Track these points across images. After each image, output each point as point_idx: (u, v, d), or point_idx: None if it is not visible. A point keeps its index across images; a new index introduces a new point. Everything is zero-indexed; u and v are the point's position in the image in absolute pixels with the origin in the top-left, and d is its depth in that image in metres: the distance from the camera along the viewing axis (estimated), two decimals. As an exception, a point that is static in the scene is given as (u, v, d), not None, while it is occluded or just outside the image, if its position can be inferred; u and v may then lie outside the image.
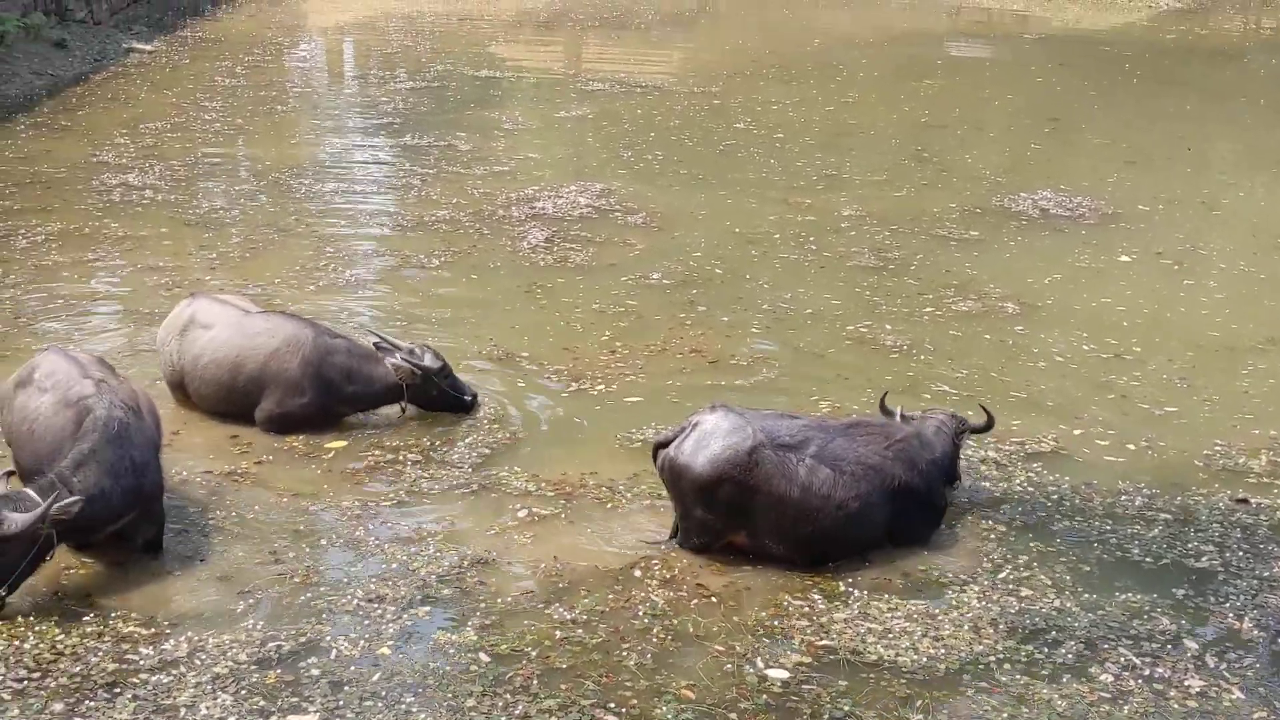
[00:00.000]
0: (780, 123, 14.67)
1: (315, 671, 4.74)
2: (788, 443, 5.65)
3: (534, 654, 4.89)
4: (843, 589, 5.46)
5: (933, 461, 6.00)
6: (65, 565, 5.39)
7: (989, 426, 6.36)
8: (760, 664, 4.88)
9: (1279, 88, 17.78)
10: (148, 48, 17.13)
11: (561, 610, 5.21)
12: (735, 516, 5.62)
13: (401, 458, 6.61)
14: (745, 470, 5.55)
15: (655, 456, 5.78)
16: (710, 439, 5.60)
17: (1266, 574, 5.64)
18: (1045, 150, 13.74)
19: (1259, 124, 15.43)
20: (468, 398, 7.12)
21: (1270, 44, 21.61)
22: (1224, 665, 4.95)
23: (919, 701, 4.66)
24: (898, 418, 6.23)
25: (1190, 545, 5.89)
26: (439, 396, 7.05)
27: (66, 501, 4.96)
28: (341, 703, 4.56)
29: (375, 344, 7.10)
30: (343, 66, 19.07)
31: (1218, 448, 6.95)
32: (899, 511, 5.81)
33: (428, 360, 6.98)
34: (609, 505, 6.18)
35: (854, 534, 5.71)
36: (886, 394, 6.50)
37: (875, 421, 6.19)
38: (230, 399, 6.91)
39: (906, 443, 5.97)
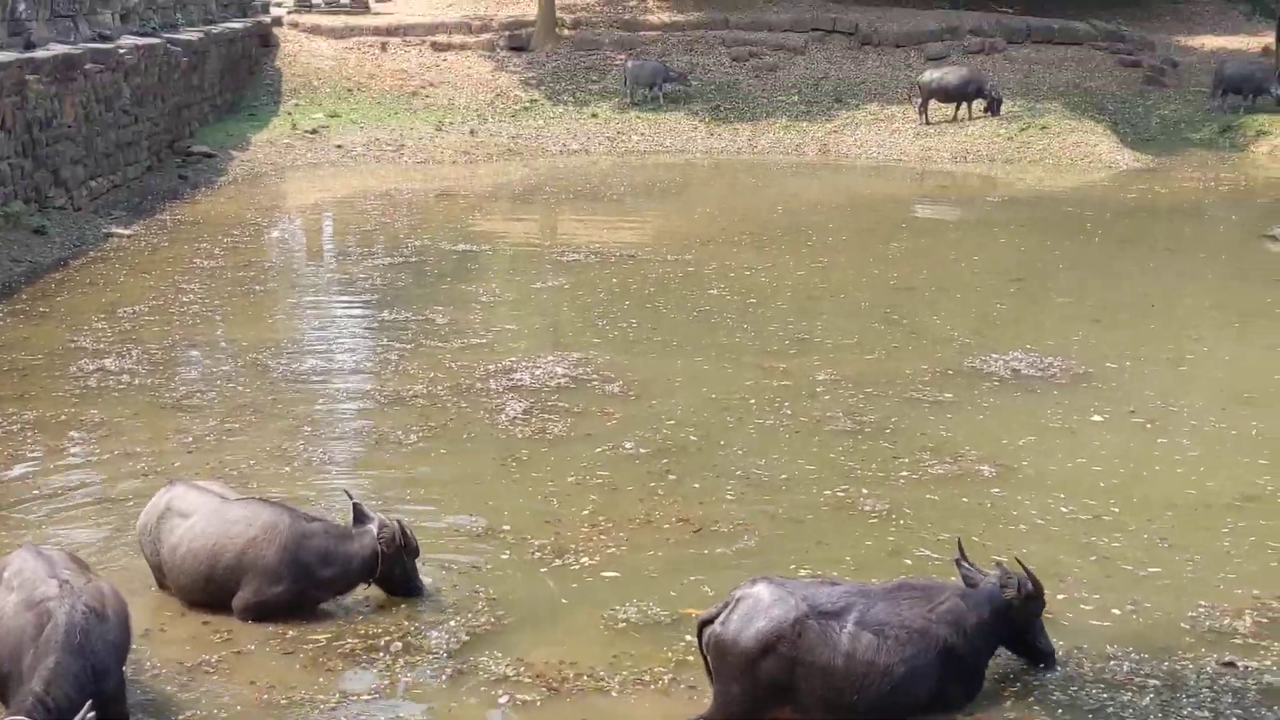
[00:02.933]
0: (753, 288, 14.89)
1: None
2: (830, 610, 5.69)
3: None
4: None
5: (979, 625, 5.94)
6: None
7: (1038, 593, 6.20)
8: None
9: (1239, 243, 18.18)
10: (127, 232, 17.36)
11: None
12: (779, 689, 5.61)
13: (380, 644, 6.53)
14: (790, 643, 5.56)
15: (700, 634, 5.79)
16: (755, 613, 5.62)
17: (1259, 740, 5.58)
18: (1012, 310, 13.97)
19: (1220, 279, 15.75)
20: (421, 584, 7.13)
21: (1228, 200, 22.15)
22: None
23: None
24: (968, 572, 6.15)
25: (1185, 711, 5.83)
26: (400, 576, 7.02)
27: None
28: None
29: (354, 504, 7.13)
30: (321, 244, 19.34)
31: (1202, 609, 6.94)
32: (944, 676, 5.77)
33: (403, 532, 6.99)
34: (592, 690, 6.11)
35: (901, 700, 5.67)
36: (960, 541, 6.46)
37: (919, 583, 6.18)
38: (208, 589, 6.87)
39: (951, 605, 5.94)
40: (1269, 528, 8.22)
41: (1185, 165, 24.51)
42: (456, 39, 30.22)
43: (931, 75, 27.14)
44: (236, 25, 27.14)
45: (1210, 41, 33.68)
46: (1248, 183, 23.64)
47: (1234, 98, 28.03)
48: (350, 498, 7.24)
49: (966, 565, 6.22)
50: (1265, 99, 27.66)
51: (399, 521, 7.05)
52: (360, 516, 7.04)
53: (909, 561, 7.39)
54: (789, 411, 10.44)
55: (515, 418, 10.17)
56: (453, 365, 11.71)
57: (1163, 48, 32.43)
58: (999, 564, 6.27)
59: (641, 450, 9.48)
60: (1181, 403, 10.69)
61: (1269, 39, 30.77)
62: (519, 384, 11.09)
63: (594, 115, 27.40)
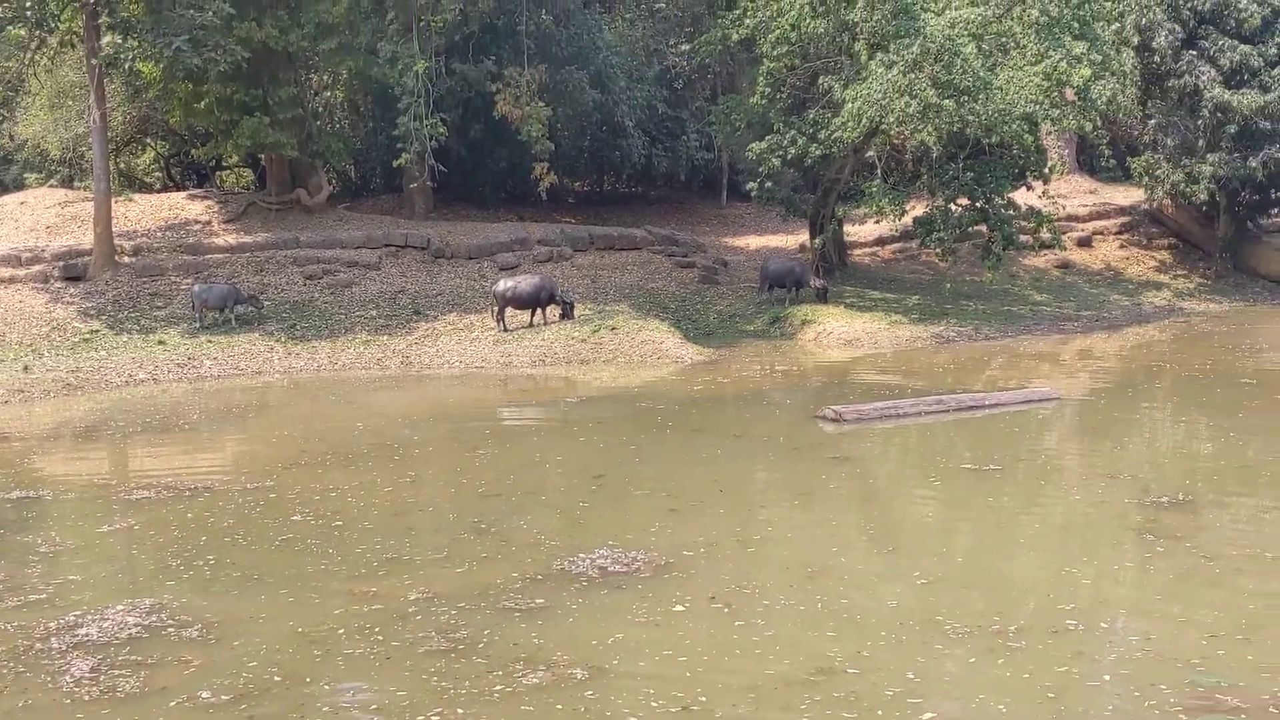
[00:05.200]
0: (339, 509, 14.57)
1: None
2: None
3: None
4: None
5: None
6: None
7: None
8: None
9: (795, 424, 19.57)
10: None
11: None
12: None
13: None
14: None
15: None
16: None
17: None
18: (595, 508, 14.34)
19: (781, 459, 16.88)
20: None
21: (783, 385, 23.95)
22: None
23: None
24: None
25: None
26: None
27: None
28: None
29: None
30: None
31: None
32: None
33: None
34: None
35: None
36: None
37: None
38: None
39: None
40: (840, 699, 8.70)
41: (743, 355, 26.40)
42: (5, 272, 28.61)
43: (505, 284, 28.13)
44: None
45: (755, 241, 36.87)
46: (799, 368, 25.71)
47: (779, 291, 30.70)
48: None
49: None
50: (806, 291, 30.43)
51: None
52: None
53: (507, 780, 7.27)
54: (380, 637, 10.16)
55: (81, 678, 9.36)
56: (7, 628, 10.67)
57: (713, 249, 35.18)
58: None
59: (222, 698, 8.93)
60: (754, 583, 11.24)
61: (804, 237, 34.00)
62: (85, 640, 10.24)
63: (161, 343, 26.47)
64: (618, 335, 27.06)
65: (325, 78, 38.40)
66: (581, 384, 24.31)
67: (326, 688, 9.13)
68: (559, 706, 8.64)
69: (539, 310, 28.17)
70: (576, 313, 28.10)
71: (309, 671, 9.48)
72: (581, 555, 12.14)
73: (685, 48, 38.47)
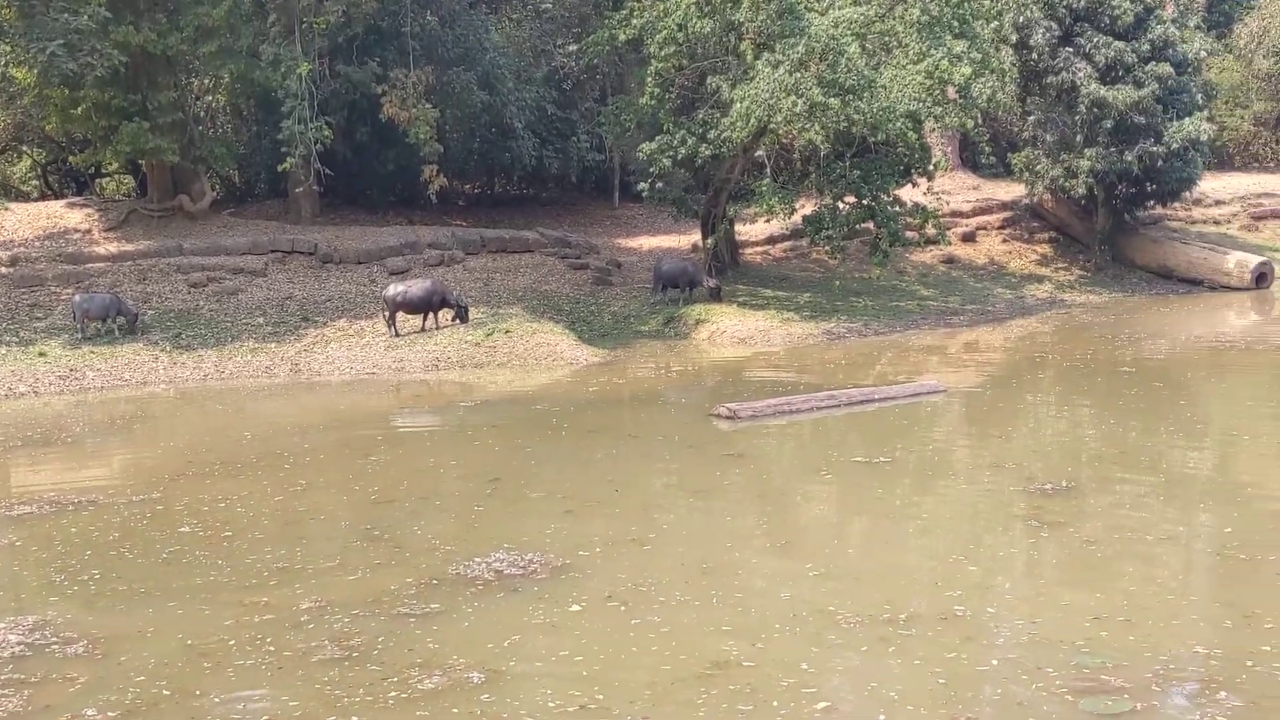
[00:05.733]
0: (228, 520, 14.31)
1: None
2: None
3: None
4: None
5: None
6: None
7: None
8: None
9: (691, 423, 19.69)
10: None
11: None
12: None
13: None
14: None
15: None
16: None
17: None
18: (490, 512, 14.28)
19: (676, 458, 16.96)
20: None
21: (678, 384, 24.09)
22: None
23: None
24: None
25: None
26: None
27: None
28: None
29: None
30: None
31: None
32: None
33: None
34: None
35: None
36: None
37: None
38: None
39: None
40: (736, 692, 8.78)
41: (639, 356, 26.49)
42: (-125, 285, 27.65)
43: (396, 289, 27.87)
44: None
45: (648, 242, 36.99)
46: (694, 367, 25.87)
47: (673, 291, 30.85)
48: None
49: None
50: (699, 290, 30.64)
51: None
52: None
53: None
54: (272, 648, 10.01)
55: (-41, 700, 9.08)
56: (-120, 651, 10.32)
57: (607, 250, 35.22)
58: None
59: (109, 714, 8.72)
60: (650, 582, 11.28)
61: (697, 237, 34.20)
62: (-37, 661, 9.93)
63: (42, 354, 25.79)
64: (512, 338, 26.97)
65: (206, 82, 37.65)
66: (476, 388, 24.18)
67: (217, 700, 8.97)
68: (455, 710, 8.59)
69: (431, 314, 27.95)
70: (471, 315, 27.94)
71: (199, 684, 9.30)
72: (477, 559, 12.08)
73: (573, 48, 38.46)
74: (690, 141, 29.83)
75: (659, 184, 31.51)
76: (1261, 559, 11.62)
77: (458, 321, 27.81)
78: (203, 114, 38.65)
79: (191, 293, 29.51)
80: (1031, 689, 8.75)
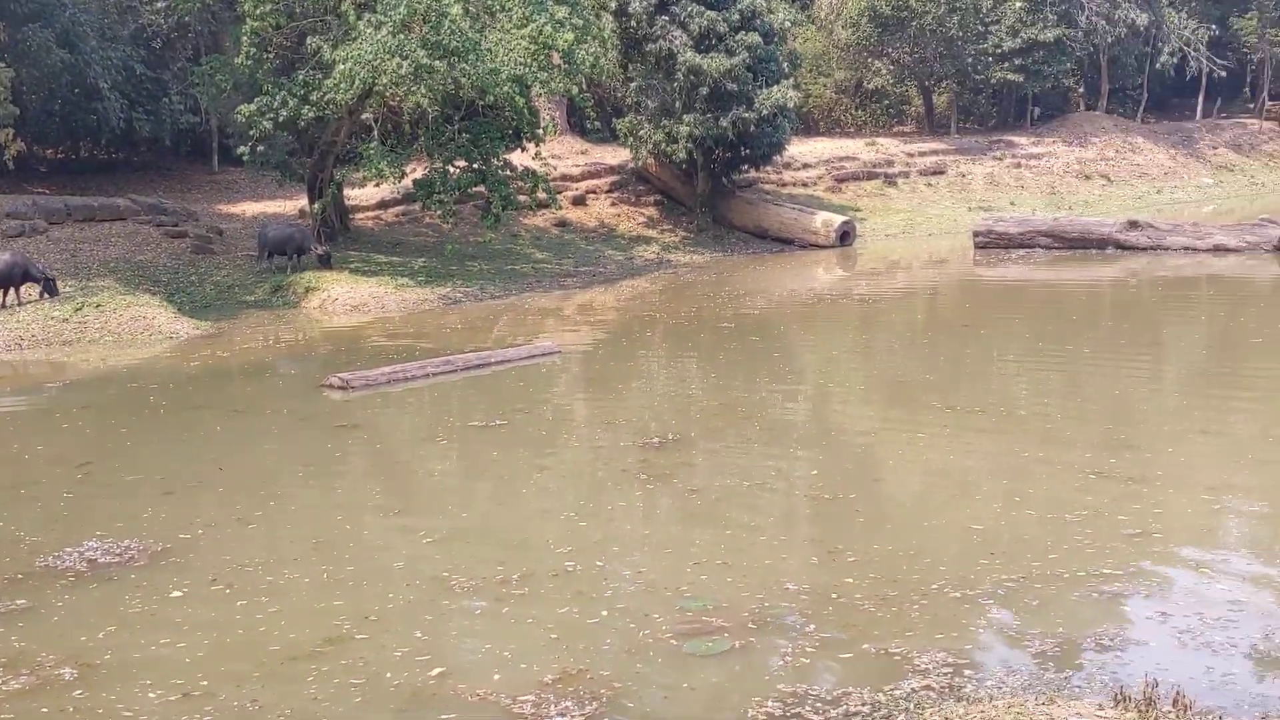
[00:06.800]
0: None
1: None
2: None
3: None
4: None
5: None
6: None
7: None
8: None
9: (303, 395, 19.11)
10: None
11: None
12: None
13: None
14: None
15: None
16: None
17: None
18: (81, 498, 13.35)
19: (286, 432, 16.45)
20: None
21: (289, 355, 23.34)
22: None
23: None
24: None
25: None
26: None
27: None
28: None
29: None
30: None
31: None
32: None
33: None
34: None
35: None
36: None
37: None
38: None
39: None
40: (348, 666, 8.63)
41: (245, 327, 25.45)
42: None
43: (-31, 263, 25.51)
44: None
45: (251, 208, 35.52)
46: (305, 337, 25.13)
47: (280, 258, 29.82)
48: None
49: None
50: (308, 257, 29.76)
51: None
52: None
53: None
54: None
55: None
56: None
57: (206, 217, 33.58)
58: None
59: None
60: (257, 561, 10.89)
61: (304, 202, 33.16)
62: None
63: None
64: (104, 313, 25.26)
65: None
66: (66, 367, 22.53)
67: None
68: (44, 710, 8.01)
69: (12, 290, 25.78)
70: (59, 289, 25.97)
71: None
72: (68, 549, 11.30)
73: (161, 4, 36.33)
74: (292, 103, 28.80)
75: (260, 147, 30.23)
76: (843, 498, 12.52)
77: (45, 296, 25.79)
78: None
79: None
80: (639, 636, 9.06)
